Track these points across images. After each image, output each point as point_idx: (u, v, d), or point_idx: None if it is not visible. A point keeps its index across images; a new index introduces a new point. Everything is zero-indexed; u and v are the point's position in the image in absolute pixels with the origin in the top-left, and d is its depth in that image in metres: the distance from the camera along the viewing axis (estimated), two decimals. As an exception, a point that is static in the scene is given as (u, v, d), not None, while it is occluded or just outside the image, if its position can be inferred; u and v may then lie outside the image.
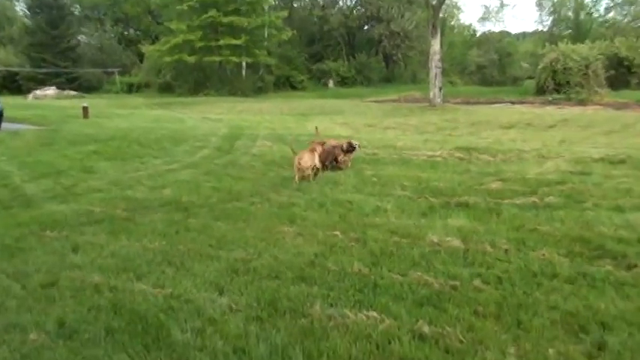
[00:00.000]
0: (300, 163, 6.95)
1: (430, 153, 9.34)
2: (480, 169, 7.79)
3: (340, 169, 7.84)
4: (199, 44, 32.92)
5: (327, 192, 6.42)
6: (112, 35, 44.15)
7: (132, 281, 3.72)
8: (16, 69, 37.83)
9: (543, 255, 4.05)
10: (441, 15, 24.13)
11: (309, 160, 7.07)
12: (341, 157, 7.89)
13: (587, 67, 25.63)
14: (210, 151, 10.17)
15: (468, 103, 25.24)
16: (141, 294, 3.49)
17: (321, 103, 24.80)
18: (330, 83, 39.72)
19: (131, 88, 39.12)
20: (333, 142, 8.19)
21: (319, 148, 7.42)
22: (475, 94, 29.91)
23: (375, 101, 27.25)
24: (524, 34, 53.60)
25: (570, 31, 40.16)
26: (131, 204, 5.94)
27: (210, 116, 18.89)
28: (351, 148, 7.98)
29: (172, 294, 3.49)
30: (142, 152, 9.95)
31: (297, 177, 6.97)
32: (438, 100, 22.15)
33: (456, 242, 4.34)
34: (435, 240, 4.39)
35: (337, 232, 4.66)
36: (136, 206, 5.83)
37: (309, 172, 7.05)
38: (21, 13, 44.87)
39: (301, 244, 4.39)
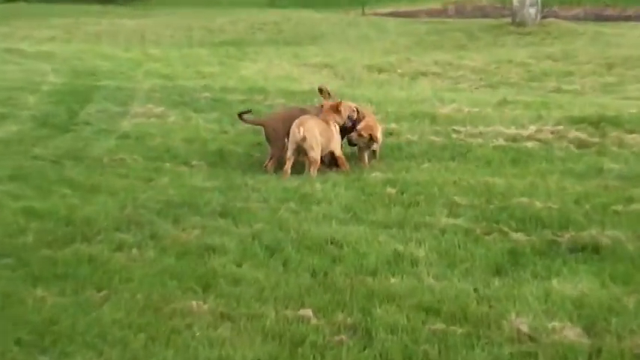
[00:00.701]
0: (303, 134, 7.69)
1: (512, 131, 9.45)
2: (625, 169, 7.91)
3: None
4: None
5: (288, 219, 6.44)
6: None
7: None
8: None
9: None
10: None
11: (316, 129, 7.84)
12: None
13: None
14: (22, 127, 10.20)
15: (598, 18, 25.73)
16: None
17: (274, 19, 24.94)
18: (295, -26, 39.93)
19: None
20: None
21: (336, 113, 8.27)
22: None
23: (393, 14, 27.49)
24: None
25: None
26: None
27: (23, 47, 18.69)
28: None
29: None
30: None
31: (287, 165, 7.90)
32: (531, 12, 22.44)
33: (572, 332, 4.36)
34: (524, 328, 4.40)
35: (308, 312, 4.69)
36: None
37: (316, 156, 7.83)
38: None
39: (229, 341, 4.38)
